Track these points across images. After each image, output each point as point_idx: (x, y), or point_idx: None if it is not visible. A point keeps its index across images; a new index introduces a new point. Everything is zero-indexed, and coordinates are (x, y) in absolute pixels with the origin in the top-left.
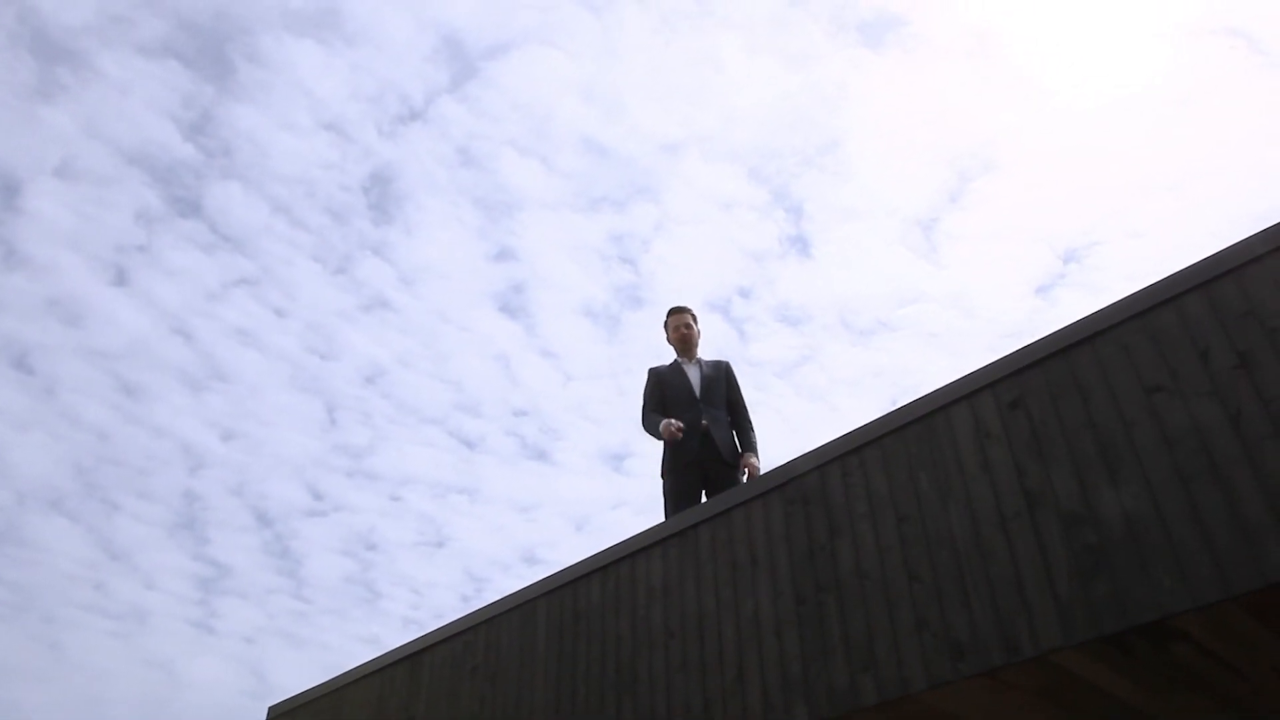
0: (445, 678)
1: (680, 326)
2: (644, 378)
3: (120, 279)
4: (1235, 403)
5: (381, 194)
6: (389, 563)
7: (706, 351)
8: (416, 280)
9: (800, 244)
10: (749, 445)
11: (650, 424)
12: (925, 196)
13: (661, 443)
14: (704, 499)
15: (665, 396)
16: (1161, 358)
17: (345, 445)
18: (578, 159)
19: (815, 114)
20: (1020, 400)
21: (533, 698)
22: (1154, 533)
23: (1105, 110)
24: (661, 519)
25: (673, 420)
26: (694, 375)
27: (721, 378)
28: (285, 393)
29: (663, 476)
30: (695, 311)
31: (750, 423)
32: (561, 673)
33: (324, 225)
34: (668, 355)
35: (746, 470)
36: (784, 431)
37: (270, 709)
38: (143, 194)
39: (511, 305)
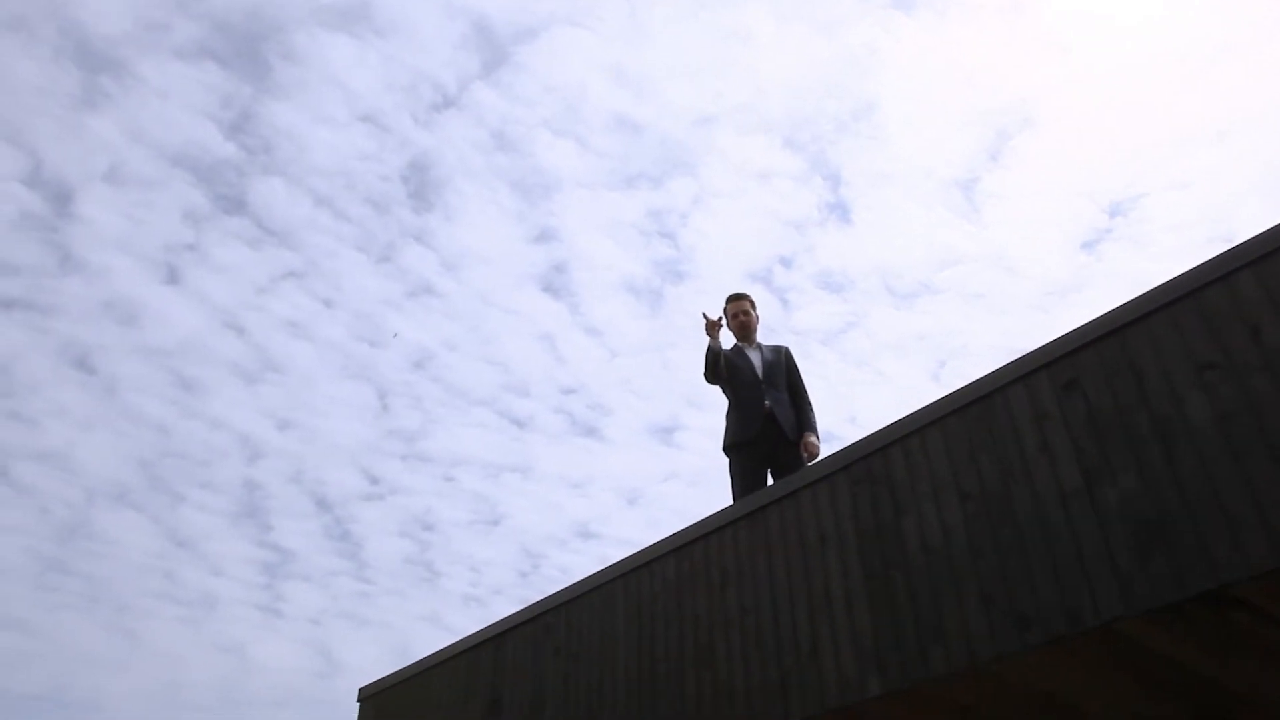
0: (529, 658)
1: (739, 313)
2: (691, 354)
3: (172, 278)
4: None
5: (420, 182)
6: (446, 542)
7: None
8: (459, 265)
9: (840, 210)
10: (809, 425)
11: (706, 367)
12: (964, 156)
13: (725, 419)
14: (769, 476)
15: (729, 378)
16: (1213, 335)
17: (398, 430)
18: (612, 138)
19: (848, 79)
20: (1075, 380)
21: (614, 676)
22: (1209, 506)
23: (1145, 62)
24: (718, 493)
25: (706, 313)
26: (755, 359)
27: (781, 361)
28: (337, 381)
29: (726, 452)
30: (753, 297)
31: (810, 403)
32: (641, 651)
33: (365, 216)
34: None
35: (807, 449)
36: (830, 398)
37: (360, 690)
38: (188, 194)
39: (554, 285)
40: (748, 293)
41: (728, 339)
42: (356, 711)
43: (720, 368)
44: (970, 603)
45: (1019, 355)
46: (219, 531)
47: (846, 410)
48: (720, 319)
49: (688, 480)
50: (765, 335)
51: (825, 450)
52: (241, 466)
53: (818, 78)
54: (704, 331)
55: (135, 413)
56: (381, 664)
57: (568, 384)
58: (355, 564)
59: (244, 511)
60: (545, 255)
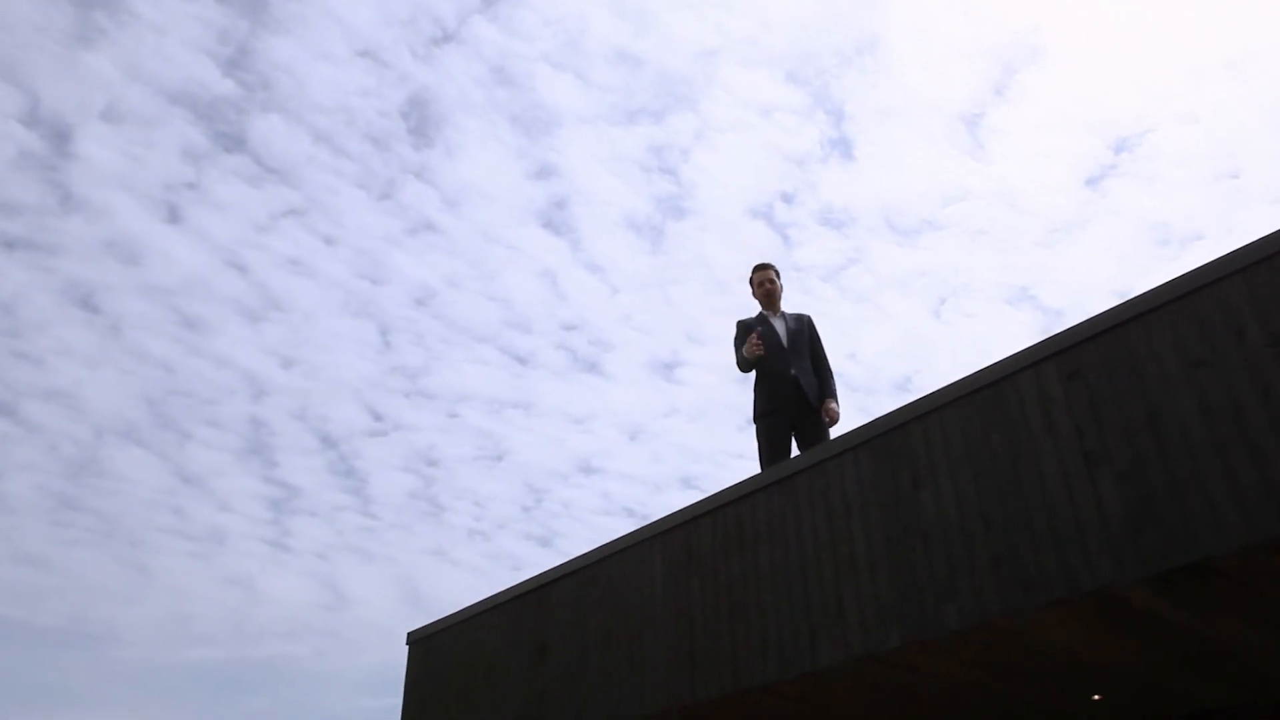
0: (573, 608)
1: (764, 282)
2: (691, 289)
3: (173, 216)
4: (1266, 379)
5: (420, 118)
6: (450, 478)
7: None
8: (460, 201)
9: (842, 146)
10: (830, 391)
11: (739, 360)
12: (968, 91)
13: (754, 389)
14: (794, 441)
15: None
16: (1204, 336)
17: (401, 366)
18: (613, 72)
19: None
20: (1079, 371)
21: (654, 627)
22: (1194, 488)
23: None
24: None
25: (753, 337)
26: (780, 327)
27: (804, 329)
28: (339, 318)
29: (755, 420)
30: (777, 267)
31: (831, 371)
32: (679, 604)
33: (365, 152)
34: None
35: (828, 414)
36: (832, 335)
37: (409, 634)
38: (187, 132)
39: (555, 221)
40: (772, 263)
41: (753, 307)
42: (405, 654)
43: (751, 367)
44: (981, 566)
45: (1028, 347)
46: (226, 468)
47: (847, 347)
48: (760, 344)
49: (689, 416)
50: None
51: (849, 424)
52: (246, 404)
53: (821, 10)
54: (747, 348)
55: (140, 351)
56: (388, 597)
57: (569, 320)
58: (360, 499)
59: (250, 448)
60: (546, 191)
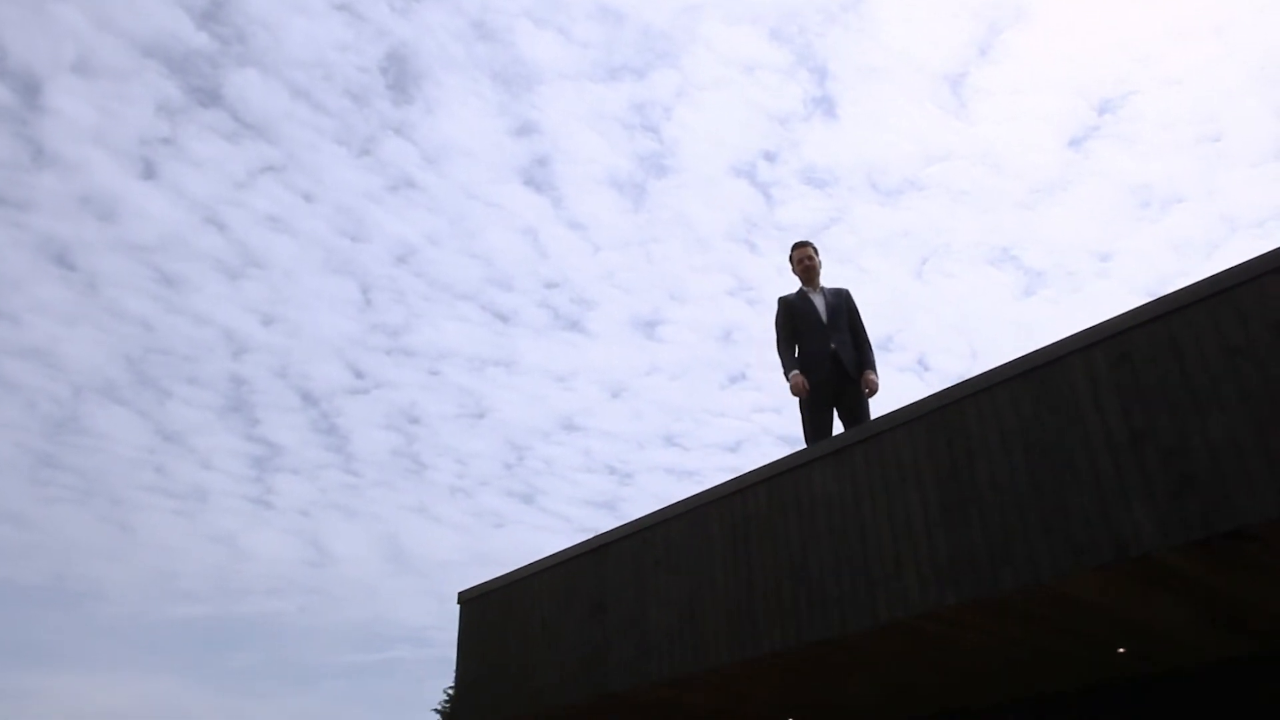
0: (630, 568)
1: (804, 259)
2: (672, 248)
3: (149, 172)
4: None
5: (399, 73)
6: (432, 435)
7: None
8: (440, 159)
9: (825, 105)
10: (869, 363)
11: (785, 361)
12: (953, 50)
13: (796, 362)
14: (835, 414)
15: (795, 323)
16: (1243, 327)
17: (382, 324)
18: (595, 27)
19: None
20: (1126, 355)
21: (713, 586)
22: (1233, 463)
23: None
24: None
25: (803, 381)
26: (820, 303)
27: (843, 305)
28: (319, 276)
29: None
30: (815, 244)
31: (869, 342)
32: (737, 565)
33: (344, 108)
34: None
35: (867, 385)
36: None
37: (460, 594)
38: (161, 86)
39: (536, 179)
40: (811, 241)
41: (793, 283)
42: (457, 614)
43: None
44: (1033, 532)
45: (1076, 333)
46: (207, 426)
47: None
48: (806, 389)
49: (670, 374)
50: (743, 233)
51: (907, 399)
52: (227, 361)
53: None
54: (794, 389)
55: (118, 309)
56: (372, 554)
57: (551, 278)
58: (343, 457)
59: (231, 406)
60: (527, 148)
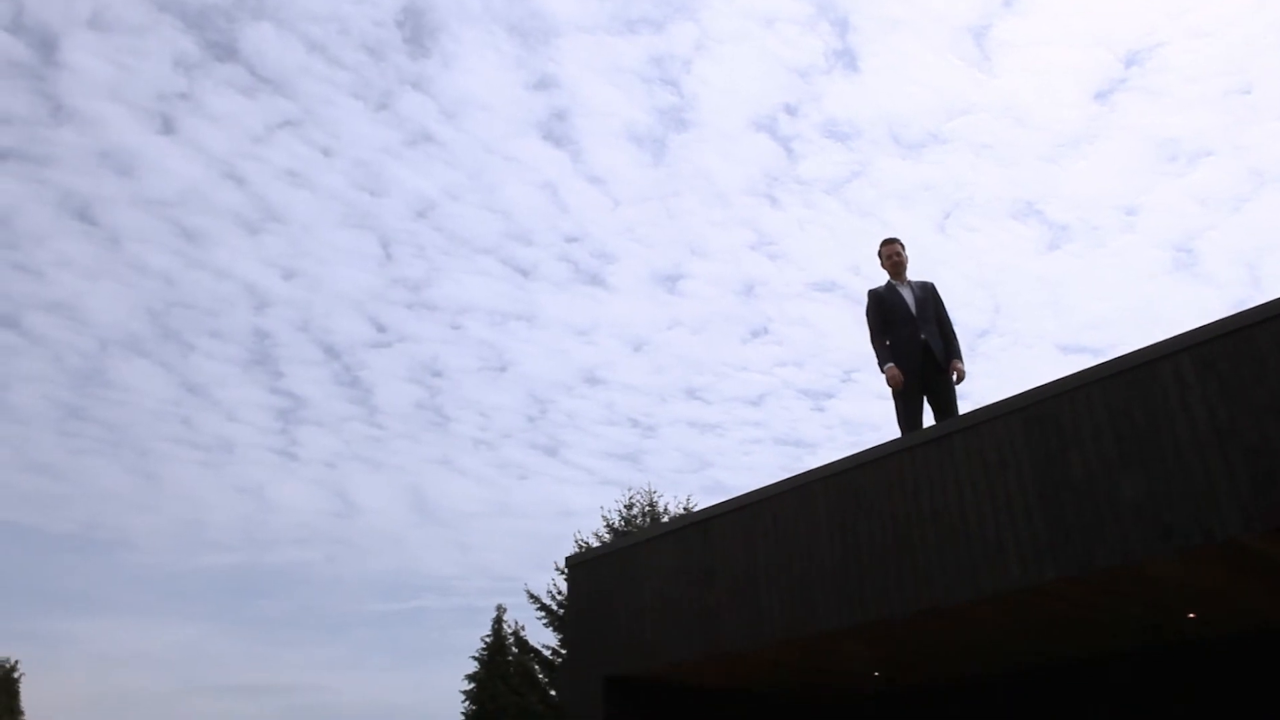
0: (738, 541)
1: (893, 255)
2: (692, 201)
3: (166, 127)
4: None
5: (415, 26)
6: (455, 388)
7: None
8: (458, 113)
9: (847, 58)
10: (956, 352)
11: (880, 354)
12: (976, 2)
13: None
14: (924, 401)
15: (885, 315)
16: None
17: (402, 278)
18: None
19: None
20: (1212, 361)
21: (820, 560)
22: None
23: None
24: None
25: (899, 374)
26: (908, 295)
27: (930, 297)
28: (339, 230)
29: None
30: (902, 239)
31: (955, 333)
32: (845, 540)
33: (361, 62)
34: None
35: (955, 372)
36: (834, 248)
37: (567, 559)
38: (178, 40)
39: (555, 133)
40: (898, 236)
41: (881, 277)
42: (566, 578)
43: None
44: (1125, 516)
45: (1165, 339)
46: (231, 379)
47: (849, 260)
48: (900, 380)
49: (691, 327)
50: (764, 187)
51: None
52: (249, 315)
53: None
54: (889, 380)
55: (140, 263)
56: (396, 505)
57: (571, 232)
58: (366, 409)
59: (254, 359)
60: (546, 102)
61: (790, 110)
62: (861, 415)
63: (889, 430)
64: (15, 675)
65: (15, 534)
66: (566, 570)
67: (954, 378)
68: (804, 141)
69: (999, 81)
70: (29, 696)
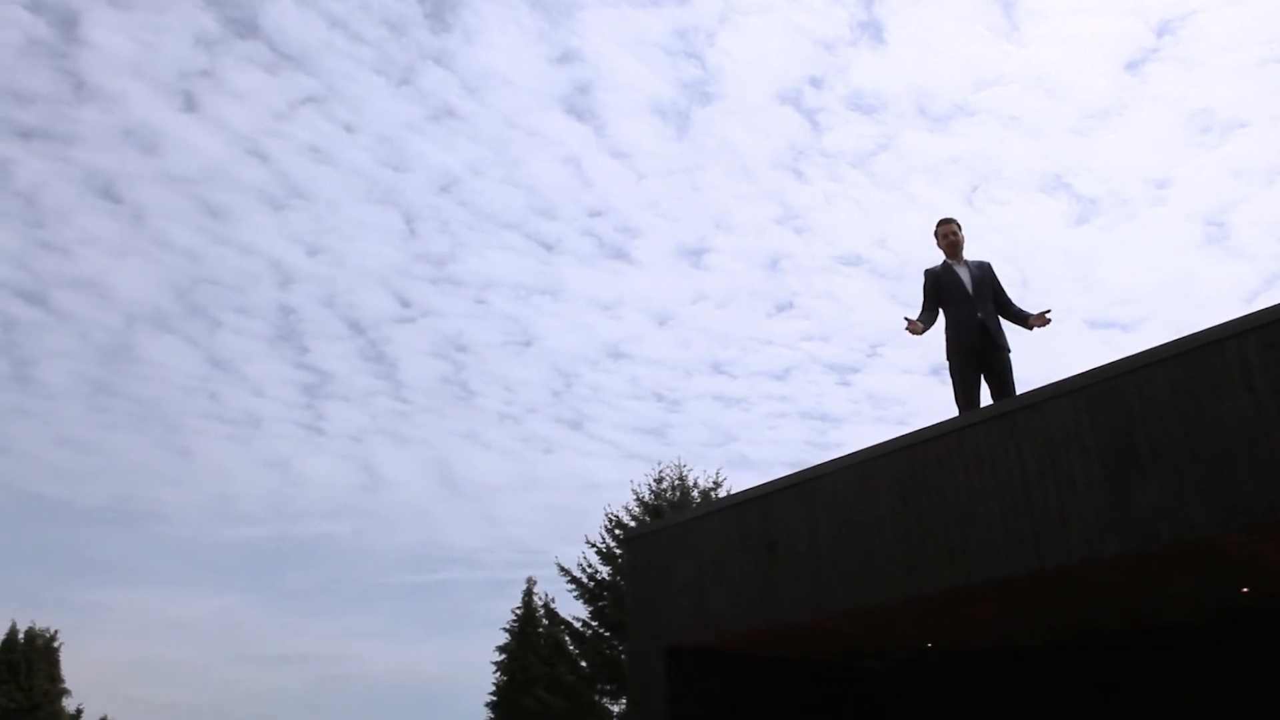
0: (800, 514)
1: (948, 234)
2: (717, 175)
3: (189, 105)
4: None
5: (436, 2)
6: (479, 363)
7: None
8: (480, 88)
9: (872, 29)
10: (1029, 315)
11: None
12: None
13: (945, 331)
14: (983, 379)
15: (941, 294)
16: None
17: (426, 254)
18: None
19: None
20: (1276, 341)
21: (882, 531)
22: None
23: None
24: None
25: (918, 324)
26: (964, 275)
27: (987, 276)
28: (363, 206)
29: (949, 359)
30: (958, 220)
31: (1013, 302)
32: (907, 512)
33: (382, 38)
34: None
35: (1041, 322)
36: (861, 221)
37: (625, 533)
38: (198, 17)
39: (578, 107)
40: (954, 217)
41: (938, 256)
42: (624, 552)
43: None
44: (1190, 492)
45: (1230, 320)
46: (258, 354)
47: (876, 233)
48: (918, 324)
49: (717, 301)
50: (789, 160)
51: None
52: (274, 291)
53: None
54: (910, 327)
55: (165, 240)
56: (423, 478)
57: (595, 206)
58: (392, 384)
59: (280, 335)
60: (568, 76)
61: (815, 83)
62: (887, 390)
63: (915, 405)
64: (55, 645)
65: (46, 507)
66: (624, 543)
67: (1042, 325)
68: (829, 114)
69: (1027, 52)
70: (68, 665)
